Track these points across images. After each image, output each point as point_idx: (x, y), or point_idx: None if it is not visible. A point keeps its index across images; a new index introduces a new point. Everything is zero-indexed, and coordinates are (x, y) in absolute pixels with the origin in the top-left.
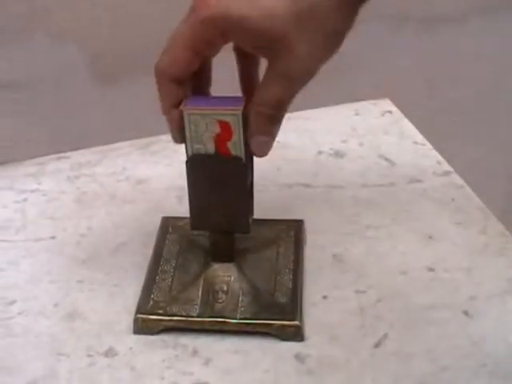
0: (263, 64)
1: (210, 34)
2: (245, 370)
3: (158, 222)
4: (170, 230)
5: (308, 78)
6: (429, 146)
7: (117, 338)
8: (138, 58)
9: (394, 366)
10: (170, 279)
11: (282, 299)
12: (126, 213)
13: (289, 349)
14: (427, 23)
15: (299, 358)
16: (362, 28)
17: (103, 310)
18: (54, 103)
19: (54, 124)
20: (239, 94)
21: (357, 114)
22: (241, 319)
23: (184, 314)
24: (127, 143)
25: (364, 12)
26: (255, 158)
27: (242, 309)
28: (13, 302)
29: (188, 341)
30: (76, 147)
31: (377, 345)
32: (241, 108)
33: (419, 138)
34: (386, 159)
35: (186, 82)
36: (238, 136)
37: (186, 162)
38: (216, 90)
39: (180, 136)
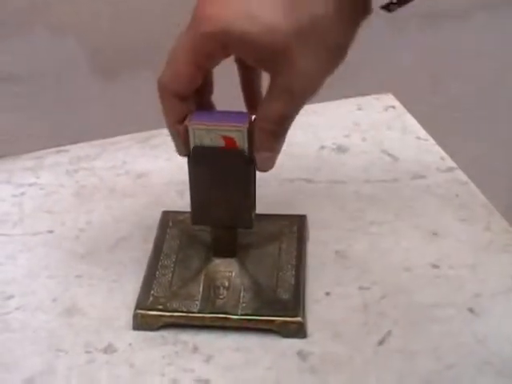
0: (265, 75)
1: (211, 47)
2: (246, 367)
3: (158, 217)
4: (171, 224)
5: (311, 92)
6: (432, 141)
7: (116, 334)
8: (139, 53)
9: (398, 364)
10: (171, 274)
11: (285, 295)
12: (125, 207)
13: (291, 346)
14: (430, 19)
15: (302, 355)
16: (365, 23)
17: (102, 306)
18: (55, 97)
19: (55, 118)
20: (241, 100)
21: (360, 109)
22: (242, 315)
23: (184, 309)
24: (127, 137)
25: None
26: None
27: (244, 305)
28: (10, 297)
29: (188, 337)
30: (76, 141)
31: (381, 342)
32: (246, 124)
33: (422, 133)
34: (389, 154)
35: (190, 98)
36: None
37: (188, 154)
38: (217, 98)
39: (185, 149)
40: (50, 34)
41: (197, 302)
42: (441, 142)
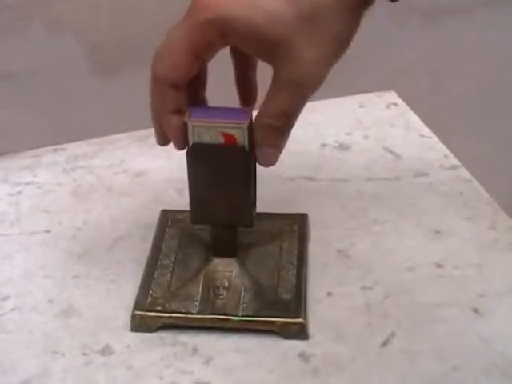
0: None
1: (211, 36)
2: (247, 370)
3: (156, 216)
4: (170, 223)
5: (315, 83)
6: (435, 139)
7: (113, 336)
8: (138, 49)
9: (402, 366)
10: (169, 274)
11: (286, 296)
12: (123, 206)
13: (292, 347)
14: (432, 16)
15: (303, 357)
16: (366, 20)
17: (99, 307)
18: (52, 95)
19: (53, 116)
20: (230, 98)
21: (361, 107)
22: (242, 316)
23: (183, 310)
24: (125, 135)
25: None
26: None
27: (244, 305)
28: (6, 298)
29: (188, 339)
30: (75, 140)
31: (384, 343)
32: (247, 121)
33: (425, 130)
34: (392, 152)
35: (183, 87)
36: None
37: (187, 151)
38: (210, 95)
39: (182, 143)
40: (47, 31)
41: (196, 303)
42: (442, 141)
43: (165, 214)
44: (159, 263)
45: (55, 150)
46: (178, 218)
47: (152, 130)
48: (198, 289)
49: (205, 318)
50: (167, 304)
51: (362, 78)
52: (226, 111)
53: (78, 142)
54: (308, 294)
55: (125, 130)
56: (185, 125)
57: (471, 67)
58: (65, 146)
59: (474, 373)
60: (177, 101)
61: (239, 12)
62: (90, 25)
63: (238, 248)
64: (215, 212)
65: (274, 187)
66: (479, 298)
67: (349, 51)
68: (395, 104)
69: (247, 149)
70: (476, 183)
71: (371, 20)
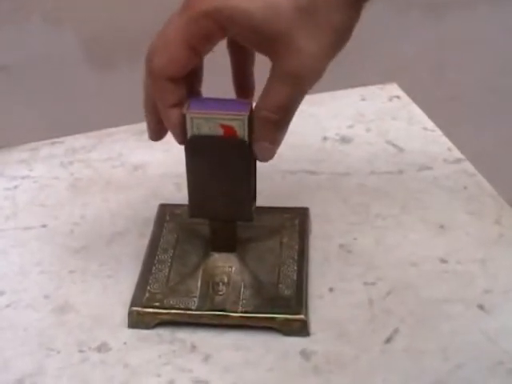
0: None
1: (209, 28)
2: (246, 367)
3: (154, 210)
4: (168, 218)
5: (314, 76)
6: (439, 132)
7: (110, 333)
8: (136, 43)
9: (405, 363)
10: (168, 270)
11: (287, 292)
12: (121, 200)
13: (293, 345)
14: (434, 9)
15: (305, 354)
16: (368, 13)
17: (96, 303)
18: (50, 88)
19: (51, 109)
20: (230, 91)
21: (363, 99)
22: (242, 313)
23: (182, 306)
24: (123, 128)
25: None
26: None
27: (244, 302)
28: (1, 294)
29: (186, 335)
30: (72, 133)
31: (387, 340)
32: (247, 112)
33: (429, 123)
34: (395, 145)
35: (181, 80)
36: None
37: (185, 143)
38: (205, 90)
39: (183, 137)
40: (45, 23)
41: (195, 299)
42: (445, 134)
43: (163, 208)
44: (157, 258)
45: (53, 143)
46: (176, 213)
47: None
48: (197, 284)
49: (203, 315)
50: (165, 300)
51: (363, 71)
52: (225, 103)
53: (76, 135)
54: (309, 290)
55: (123, 124)
56: (183, 117)
57: (472, 60)
58: (62, 139)
59: (480, 371)
60: (175, 94)
61: (237, 3)
62: (89, 17)
63: (238, 243)
64: (214, 206)
65: (274, 181)
66: (485, 294)
67: (350, 44)
68: (397, 97)
69: (247, 141)
70: (480, 177)
71: (373, 13)
